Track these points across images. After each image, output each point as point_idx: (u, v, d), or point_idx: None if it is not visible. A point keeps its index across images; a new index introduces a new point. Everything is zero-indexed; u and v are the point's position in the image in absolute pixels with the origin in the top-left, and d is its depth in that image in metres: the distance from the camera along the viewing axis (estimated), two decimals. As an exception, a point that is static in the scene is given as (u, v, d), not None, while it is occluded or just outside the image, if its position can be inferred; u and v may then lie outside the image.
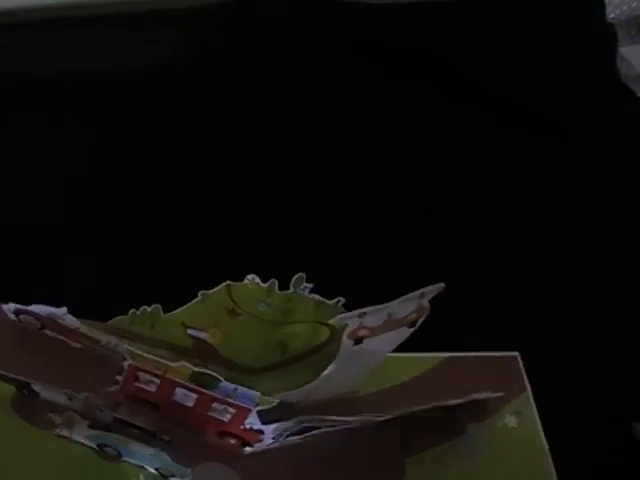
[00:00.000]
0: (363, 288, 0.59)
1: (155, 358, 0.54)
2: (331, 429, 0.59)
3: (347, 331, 0.56)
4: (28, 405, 0.58)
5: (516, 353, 0.65)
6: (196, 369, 0.54)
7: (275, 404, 0.55)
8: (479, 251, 0.74)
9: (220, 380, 0.54)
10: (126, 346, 0.55)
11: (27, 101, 0.80)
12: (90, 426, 0.55)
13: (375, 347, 0.58)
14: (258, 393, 0.54)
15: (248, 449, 0.59)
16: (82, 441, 0.57)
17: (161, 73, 0.85)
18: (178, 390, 0.55)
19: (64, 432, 0.57)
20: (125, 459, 0.57)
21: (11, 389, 0.59)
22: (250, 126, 0.82)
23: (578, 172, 0.81)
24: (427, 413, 0.60)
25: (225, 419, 0.56)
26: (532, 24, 0.89)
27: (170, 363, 0.54)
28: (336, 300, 0.61)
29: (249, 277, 0.61)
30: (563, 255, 0.75)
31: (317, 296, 0.61)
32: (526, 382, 0.64)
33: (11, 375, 0.57)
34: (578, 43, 0.89)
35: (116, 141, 0.79)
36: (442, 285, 0.55)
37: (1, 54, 0.84)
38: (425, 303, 0.57)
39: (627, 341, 0.68)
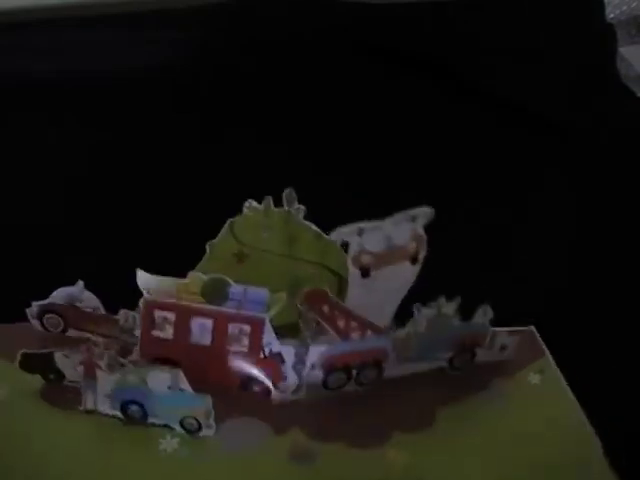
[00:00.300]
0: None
1: (167, 278, 0.58)
2: (360, 388, 0.61)
3: (351, 255, 0.58)
4: (55, 391, 0.60)
5: (532, 327, 0.66)
6: (206, 277, 0.57)
7: (284, 300, 0.58)
8: (478, 250, 0.74)
9: (230, 283, 0.57)
10: (139, 271, 0.58)
11: (27, 101, 0.81)
12: (109, 367, 0.57)
13: (383, 282, 0.59)
14: (266, 290, 0.57)
15: (275, 394, 0.60)
16: (107, 411, 0.58)
17: (161, 73, 0.85)
18: (194, 323, 0.58)
19: (89, 403, 0.58)
20: (150, 421, 0.58)
21: (40, 382, 0.60)
22: (250, 126, 0.82)
23: (578, 172, 0.81)
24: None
25: (244, 347, 0.58)
26: (532, 24, 0.89)
27: (181, 280, 0.57)
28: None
29: (246, 204, 0.62)
30: (563, 255, 0.75)
31: (314, 226, 0.62)
32: (545, 349, 0.66)
33: (34, 351, 0.59)
34: (578, 43, 0.89)
35: (116, 141, 0.79)
36: (431, 210, 0.59)
37: (1, 54, 0.84)
38: (420, 230, 0.59)
39: (628, 339, 0.68)
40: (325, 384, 0.61)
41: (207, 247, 0.61)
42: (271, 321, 0.58)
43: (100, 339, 0.58)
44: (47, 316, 0.63)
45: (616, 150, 0.83)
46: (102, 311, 0.62)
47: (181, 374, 0.56)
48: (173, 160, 0.78)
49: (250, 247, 0.62)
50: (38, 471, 0.56)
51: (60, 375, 0.59)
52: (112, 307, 0.61)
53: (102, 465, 0.57)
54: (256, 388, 0.60)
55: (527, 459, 0.59)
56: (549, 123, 0.84)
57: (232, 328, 0.58)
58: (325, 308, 0.59)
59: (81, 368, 0.58)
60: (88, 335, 0.63)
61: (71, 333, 0.63)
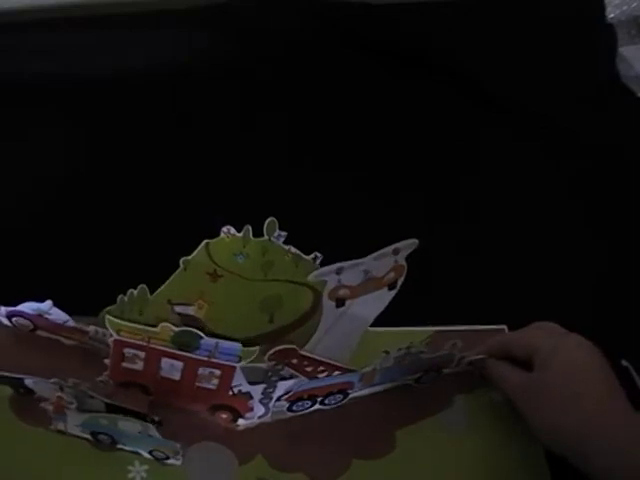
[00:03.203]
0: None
1: (137, 326, 0.56)
2: (324, 407, 0.61)
3: (327, 290, 0.57)
4: (24, 405, 0.59)
5: (504, 326, 0.67)
6: (177, 329, 0.55)
7: (257, 353, 0.56)
8: (479, 249, 0.74)
9: (202, 337, 0.55)
10: (108, 316, 0.56)
11: (26, 101, 0.80)
12: (78, 408, 0.56)
13: (358, 311, 0.59)
14: (239, 344, 0.55)
15: (241, 422, 0.60)
16: (77, 433, 0.58)
17: (161, 73, 0.85)
18: (164, 362, 0.57)
19: (59, 425, 0.58)
20: (119, 446, 0.58)
21: (9, 391, 0.60)
22: (250, 126, 0.82)
23: (578, 172, 0.81)
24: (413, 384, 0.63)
25: (213, 386, 0.57)
26: (532, 24, 0.89)
27: (151, 328, 0.55)
28: (313, 255, 0.62)
29: (224, 229, 0.62)
30: (563, 254, 0.75)
31: (293, 248, 0.62)
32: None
33: (4, 373, 0.57)
34: (578, 43, 0.89)
35: (116, 140, 0.79)
36: (415, 241, 0.56)
37: (1, 54, 0.84)
38: (401, 261, 0.57)
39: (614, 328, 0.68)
40: (290, 409, 0.61)
41: (181, 262, 0.61)
42: (239, 360, 0.56)
43: (70, 381, 0.56)
44: (15, 319, 0.62)
45: (616, 150, 0.83)
46: (71, 323, 0.61)
47: (151, 427, 0.56)
48: (172, 158, 0.78)
49: (224, 269, 0.61)
50: None
51: (30, 390, 0.59)
52: (83, 309, 0.61)
53: None
54: (223, 415, 0.60)
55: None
56: (549, 123, 0.84)
57: (202, 370, 0.57)
58: (294, 360, 0.58)
59: (50, 408, 0.57)
60: (57, 337, 0.62)
61: (41, 333, 0.63)
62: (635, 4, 0.91)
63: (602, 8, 0.90)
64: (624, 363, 0.62)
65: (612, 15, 0.91)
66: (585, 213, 0.78)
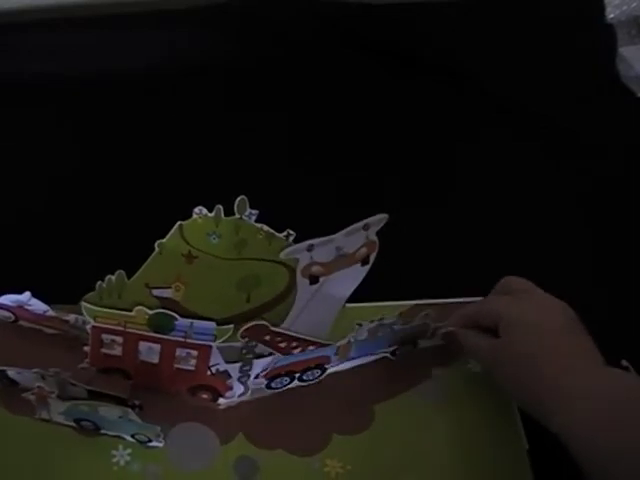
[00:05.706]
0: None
1: (112, 311, 0.57)
2: (303, 384, 0.62)
3: (300, 267, 0.57)
4: (10, 395, 0.60)
5: (480, 298, 0.67)
6: (151, 312, 0.56)
7: (231, 331, 0.56)
8: (479, 248, 0.74)
9: (176, 318, 0.56)
10: (84, 304, 0.57)
11: (26, 101, 0.81)
12: (60, 397, 0.57)
13: (333, 287, 0.59)
14: (213, 323, 0.56)
15: (222, 401, 0.60)
16: (61, 421, 0.59)
17: (161, 73, 0.85)
18: (142, 346, 0.58)
19: (43, 414, 0.59)
20: (103, 431, 0.59)
21: None
22: (250, 126, 0.82)
23: (578, 172, 0.81)
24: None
25: (191, 367, 0.58)
26: (532, 24, 0.89)
27: (127, 313, 0.56)
28: (285, 233, 0.63)
29: (196, 210, 0.63)
30: (563, 253, 0.75)
31: (265, 226, 0.63)
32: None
33: None
34: (578, 43, 0.89)
35: (115, 140, 0.79)
36: (385, 216, 0.56)
37: (1, 54, 0.84)
38: (372, 236, 0.58)
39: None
40: (269, 386, 0.61)
41: (156, 246, 0.62)
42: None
43: (51, 370, 0.57)
44: None
45: (616, 150, 0.83)
46: (51, 313, 0.62)
47: (131, 411, 0.56)
48: (171, 157, 0.78)
49: (199, 250, 0.63)
50: None
51: (14, 381, 0.59)
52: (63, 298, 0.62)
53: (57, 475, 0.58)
54: (204, 395, 0.60)
55: (460, 459, 0.61)
56: (549, 123, 0.84)
57: (180, 351, 0.58)
58: (266, 337, 0.59)
59: (33, 397, 0.58)
60: (39, 327, 0.63)
61: (23, 324, 0.63)
62: (635, 4, 0.91)
63: (602, 8, 0.90)
64: (624, 363, 0.62)
65: (612, 15, 0.91)
66: (585, 213, 0.78)
